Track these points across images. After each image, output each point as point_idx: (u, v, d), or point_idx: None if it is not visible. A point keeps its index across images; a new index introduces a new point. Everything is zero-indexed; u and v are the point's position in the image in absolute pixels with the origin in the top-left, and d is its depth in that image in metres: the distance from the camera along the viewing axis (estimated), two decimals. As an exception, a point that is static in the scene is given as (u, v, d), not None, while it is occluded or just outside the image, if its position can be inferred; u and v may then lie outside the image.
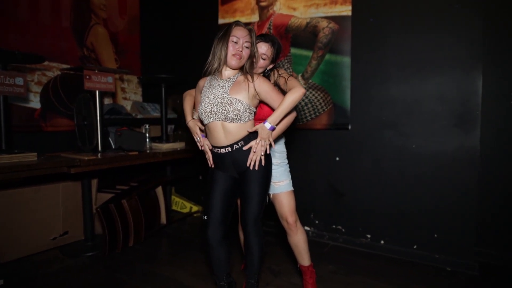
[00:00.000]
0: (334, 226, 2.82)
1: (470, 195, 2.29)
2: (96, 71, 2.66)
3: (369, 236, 2.67)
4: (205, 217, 1.71)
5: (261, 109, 1.74)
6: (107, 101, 3.22)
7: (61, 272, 2.28)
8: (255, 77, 1.61)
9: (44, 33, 2.69)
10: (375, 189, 2.62)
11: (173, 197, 3.63)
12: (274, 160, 1.84)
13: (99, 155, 2.51)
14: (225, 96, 1.57)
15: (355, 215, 2.72)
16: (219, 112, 1.57)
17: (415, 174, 2.46)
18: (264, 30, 3.02)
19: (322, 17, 2.75)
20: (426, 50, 2.38)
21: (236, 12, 3.21)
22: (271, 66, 1.83)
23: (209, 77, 1.70)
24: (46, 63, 2.69)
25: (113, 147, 2.97)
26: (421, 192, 2.45)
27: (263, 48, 1.74)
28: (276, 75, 1.79)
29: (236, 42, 1.59)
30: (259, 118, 1.74)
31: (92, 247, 2.65)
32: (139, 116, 3.28)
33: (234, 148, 1.63)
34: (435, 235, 2.41)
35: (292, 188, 1.90)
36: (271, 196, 1.90)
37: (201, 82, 1.74)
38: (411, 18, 2.42)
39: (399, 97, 2.49)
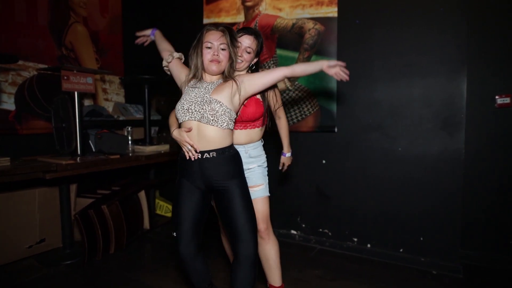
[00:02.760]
0: (321, 230, 2.79)
1: (455, 198, 2.30)
2: (75, 71, 2.55)
3: (356, 239, 2.65)
4: (175, 234, 1.55)
5: (245, 108, 1.65)
6: (87, 102, 3.11)
7: (36, 282, 2.17)
8: (239, 77, 1.55)
9: (19, 31, 2.56)
10: (361, 192, 2.60)
11: (157, 200, 3.54)
12: (247, 165, 1.71)
13: (78, 159, 2.41)
14: (206, 96, 1.50)
15: (342, 218, 2.69)
16: (196, 111, 1.47)
17: (401, 177, 2.45)
18: (250, 31, 2.97)
19: (308, 18, 2.72)
20: (412, 52, 2.37)
21: (221, 12, 3.14)
22: (255, 60, 1.75)
23: (195, 80, 1.60)
24: (21, 62, 2.57)
25: (94, 150, 2.87)
26: (407, 195, 2.44)
27: (247, 42, 1.66)
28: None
29: (210, 48, 1.51)
30: (242, 119, 1.66)
31: (71, 255, 2.54)
32: (121, 118, 3.18)
33: (204, 157, 1.49)
34: (421, 238, 2.41)
35: (268, 194, 1.76)
36: None
37: (187, 83, 1.61)
38: (397, 21, 2.41)
39: (385, 100, 2.48)
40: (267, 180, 1.79)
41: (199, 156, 1.49)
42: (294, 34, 2.78)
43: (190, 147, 1.49)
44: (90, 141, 2.91)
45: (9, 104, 2.53)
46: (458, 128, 2.27)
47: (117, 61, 3.37)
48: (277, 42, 2.86)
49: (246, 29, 1.70)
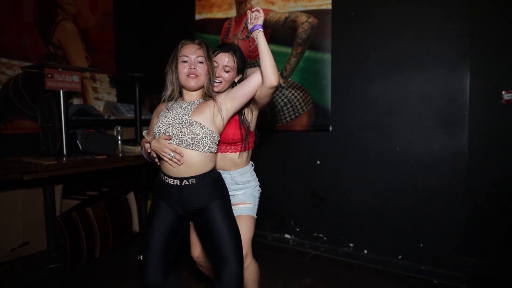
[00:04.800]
0: (315, 234, 2.65)
1: (457, 201, 2.13)
2: (60, 69, 2.47)
3: (351, 245, 2.50)
4: (141, 257, 1.37)
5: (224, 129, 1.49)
6: (76, 101, 3.04)
7: (15, 287, 2.09)
8: (219, 96, 1.41)
9: (2, 28, 2.50)
10: (357, 195, 2.45)
11: (149, 201, 3.44)
12: (235, 192, 1.58)
13: (64, 159, 2.33)
14: (185, 118, 1.35)
15: (337, 222, 2.55)
16: (174, 134, 1.33)
17: (399, 178, 2.29)
18: (242, 26, 2.85)
19: (301, 11, 2.58)
20: (410, 45, 2.22)
21: (213, 7, 3.03)
22: (239, 77, 1.58)
23: (172, 101, 1.48)
24: (5, 60, 2.51)
25: (81, 150, 2.79)
26: (405, 198, 2.28)
27: (224, 60, 1.49)
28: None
29: (186, 61, 1.39)
30: (221, 141, 1.49)
31: (56, 258, 2.46)
32: (111, 118, 3.10)
33: (183, 184, 1.35)
34: (421, 245, 2.24)
35: (254, 215, 1.57)
36: None
37: (162, 106, 1.50)
38: (394, 11, 2.26)
39: (381, 96, 2.33)
40: (257, 202, 1.62)
41: (178, 183, 1.36)
42: (287, 28, 2.65)
43: (173, 154, 1.32)
44: (78, 141, 2.84)
45: (-7, 103, 2.47)
46: (460, 126, 2.10)
47: (108, 59, 3.29)
48: (269, 37, 2.73)
49: (222, 46, 1.54)
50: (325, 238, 2.61)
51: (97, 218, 2.49)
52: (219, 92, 1.51)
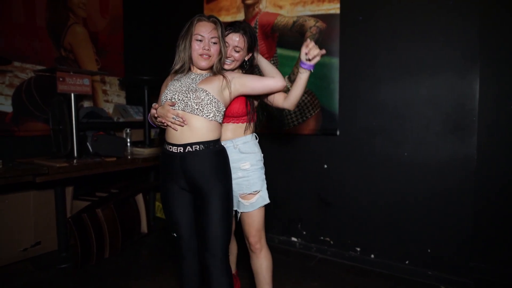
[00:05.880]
0: (322, 238, 2.65)
1: (466, 207, 2.12)
2: (71, 72, 2.52)
3: (358, 249, 2.50)
4: (175, 234, 1.50)
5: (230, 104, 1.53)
6: (87, 104, 3.09)
7: (28, 286, 2.14)
8: (229, 74, 1.45)
9: (16, 32, 2.55)
10: (364, 199, 2.45)
11: (157, 203, 3.49)
12: (238, 163, 1.56)
13: (75, 161, 2.37)
14: (192, 85, 1.39)
15: (344, 226, 2.55)
16: (180, 99, 1.36)
17: (407, 183, 2.29)
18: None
19: (309, 16, 2.59)
20: (418, 50, 2.21)
21: (221, 10, 3.06)
22: (249, 55, 1.61)
23: (180, 74, 1.51)
24: (18, 64, 2.56)
25: (91, 152, 2.84)
26: (413, 203, 2.27)
27: (235, 40, 1.52)
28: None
29: (200, 40, 1.41)
30: (227, 114, 1.54)
31: (66, 258, 2.51)
32: (121, 120, 3.14)
33: (186, 150, 1.36)
34: (428, 250, 2.24)
35: (267, 201, 1.59)
36: (239, 215, 1.63)
37: (170, 78, 1.55)
38: (402, 16, 2.25)
39: (389, 101, 2.32)
40: (265, 185, 1.61)
41: (181, 150, 1.37)
42: (295, 32, 2.65)
43: (176, 118, 1.34)
44: (88, 143, 2.89)
45: (6, 106, 2.52)
46: (469, 132, 2.09)
47: (117, 62, 3.34)
48: (277, 41, 2.74)
49: (233, 25, 1.56)
50: (331, 242, 2.61)
51: (106, 219, 2.54)
52: (228, 70, 1.54)
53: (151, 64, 3.66)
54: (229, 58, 1.54)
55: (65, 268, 2.38)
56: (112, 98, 3.31)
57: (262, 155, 1.67)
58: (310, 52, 1.39)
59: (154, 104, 1.48)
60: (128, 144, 2.97)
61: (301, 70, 1.45)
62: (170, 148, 1.41)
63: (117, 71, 3.33)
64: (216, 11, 3.08)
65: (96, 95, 3.15)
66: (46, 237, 2.59)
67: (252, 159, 1.58)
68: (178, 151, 1.38)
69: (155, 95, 3.47)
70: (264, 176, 1.63)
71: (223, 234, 1.38)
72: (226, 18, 3.02)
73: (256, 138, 1.67)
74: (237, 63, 1.58)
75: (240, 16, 2.94)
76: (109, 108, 3.25)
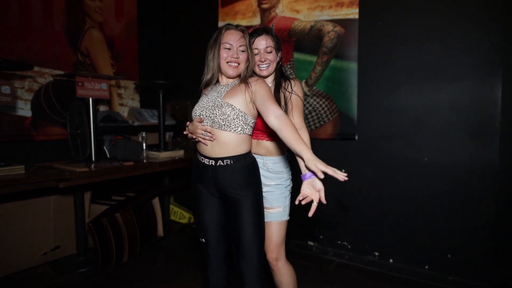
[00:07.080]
0: (339, 242, 2.66)
1: (487, 212, 2.12)
2: (90, 77, 2.53)
3: (377, 253, 2.50)
4: (203, 240, 1.51)
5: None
6: (102, 107, 3.10)
7: (49, 291, 2.16)
8: (254, 79, 1.44)
9: (36, 37, 2.56)
10: (383, 204, 2.46)
11: (171, 206, 3.50)
12: (266, 181, 1.57)
13: (92, 165, 2.39)
14: (218, 100, 1.41)
15: (362, 230, 2.55)
16: (207, 116, 1.41)
17: (427, 189, 2.29)
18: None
19: (327, 20, 2.59)
20: (438, 55, 2.21)
21: (237, 14, 3.06)
22: (279, 55, 1.60)
23: (209, 87, 1.55)
24: (37, 69, 2.57)
25: (108, 156, 2.85)
26: (433, 208, 2.28)
27: (262, 43, 1.52)
28: (288, 87, 1.53)
29: (229, 49, 1.43)
30: (256, 127, 1.54)
31: (85, 262, 2.52)
32: (136, 123, 3.15)
33: (217, 164, 1.40)
34: (449, 255, 2.24)
35: (287, 218, 1.57)
36: None
37: (202, 91, 1.58)
38: (422, 21, 2.25)
39: (409, 106, 2.33)
40: (288, 202, 1.59)
41: (213, 163, 1.41)
42: (312, 37, 2.66)
43: (205, 133, 1.40)
44: (104, 147, 2.90)
45: (26, 111, 2.54)
46: (491, 138, 2.09)
47: (132, 66, 3.35)
48: (294, 46, 2.74)
49: (255, 32, 1.56)
50: (349, 246, 2.62)
51: (125, 223, 2.55)
52: (259, 77, 1.52)
53: (165, 67, 3.67)
54: (264, 63, 1.53)
55: (85, 272, 2.39)
56: (126, 102, 3.32)
57: (291, 172, 1.63)
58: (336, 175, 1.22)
59: (188, 122, 1.54)
60: (144, 147, 2.99)
61: (303, 176, 1.35)
62: (203, 159, 1.46)
63: (131, 75, 3.34)
64: (231, 15, 3.09)
65: (111, 99, 3.16)
66: (65, 241, 2.61)
67: (278, 179, 1.59)
68: (210, 163, 1.43)
69: (169, 99, 3.49)
70: (288, 193, 1.60)
71: (257, 240, 1.39)
72: (241, 22, 3.02)
73: (288, 158, 1.64)
74: (274, 65, 1.56)
75: (256, 21, 2.95)
76: (124, 112, 3.27)
